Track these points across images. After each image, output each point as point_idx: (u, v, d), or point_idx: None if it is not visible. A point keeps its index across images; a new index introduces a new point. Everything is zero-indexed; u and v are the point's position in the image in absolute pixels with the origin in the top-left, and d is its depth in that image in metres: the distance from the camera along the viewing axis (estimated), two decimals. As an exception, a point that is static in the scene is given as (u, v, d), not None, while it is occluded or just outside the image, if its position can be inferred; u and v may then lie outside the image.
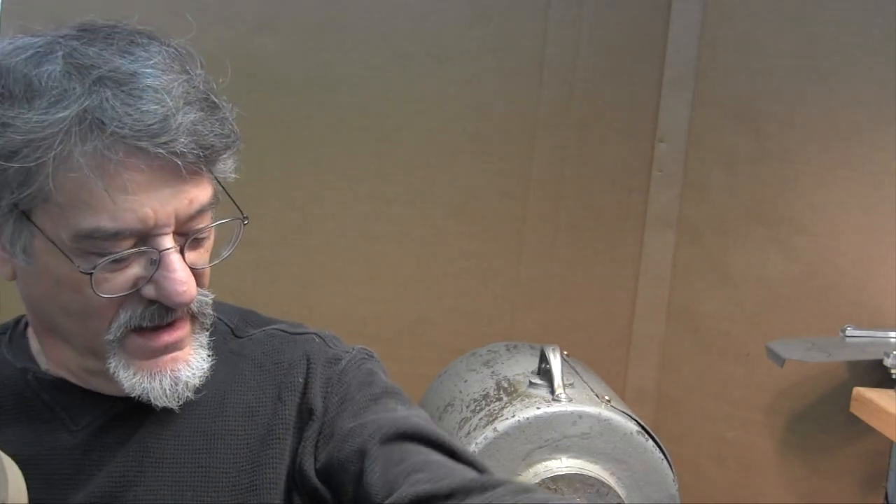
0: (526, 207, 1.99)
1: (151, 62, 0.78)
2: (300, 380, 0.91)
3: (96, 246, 0.77)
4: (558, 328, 2.01)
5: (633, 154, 1.99)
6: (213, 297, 0.87)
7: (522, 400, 1.41)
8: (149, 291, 0.80)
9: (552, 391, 1.42)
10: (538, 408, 1.38)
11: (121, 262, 0.79)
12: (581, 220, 2.00)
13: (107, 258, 0.77)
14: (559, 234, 2.01)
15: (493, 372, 1.58)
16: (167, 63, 0.80)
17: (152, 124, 0.75)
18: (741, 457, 1.92)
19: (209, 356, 0.87)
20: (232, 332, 0.97)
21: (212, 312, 0.88)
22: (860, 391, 1.68)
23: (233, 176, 0.88)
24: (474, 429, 1.40)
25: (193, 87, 0.80)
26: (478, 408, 1.46)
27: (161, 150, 0.75)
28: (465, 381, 1.59)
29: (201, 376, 0.86)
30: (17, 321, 0.96)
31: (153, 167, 0.76)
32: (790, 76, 1.85)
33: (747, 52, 1.88)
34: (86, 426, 0.86)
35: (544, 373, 1.48)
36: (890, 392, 1.66)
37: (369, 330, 1.93)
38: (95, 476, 0.84)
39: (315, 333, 0.97)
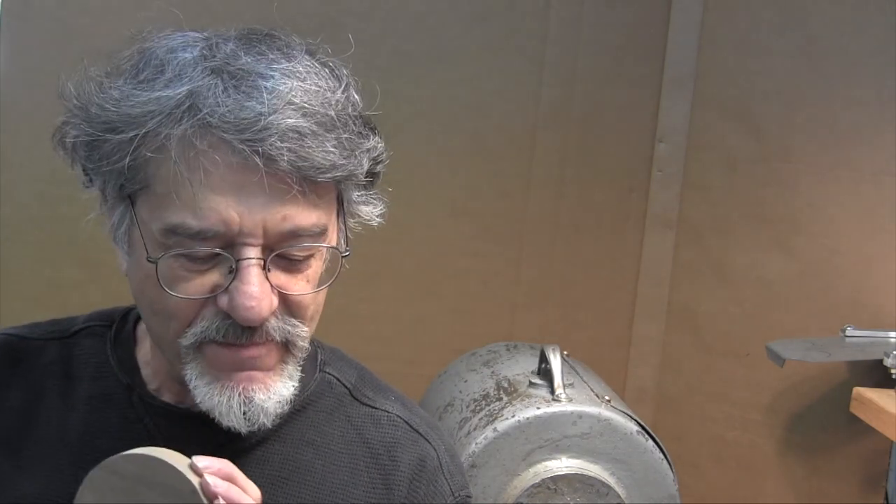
0: (526, 207, 1.99)
1: (281, 66, 0.75)
2: (404, 492, 0.90)
3: (182, 244, 0.74)
4: (558, 328, 2.01)
5: (633, 154, 1.99)
6: (307, 330, 0.81)
7: (522, 400, 1.41)
8: (223, 302, 0.75)
9: (552, 391, 1.42)
10: (538, 408, 1.38)
11: (199, 263, 0.75)
12: (581, 220, 2.00)
13: (177, 250, 0.74)
14: (559, 234, 2.01)
15: (493, 372, 1.58)
16: (305, 75, 0.76)
17: (244, 118, 0.71)
18: (741, 457, 1.91)
19: (294, 387, 0.81)
20: (350, 392, 0.93)
21: (306, 346, 0.82)
22: (860, 391, 1.68)
23: (371, 218, 0.84)
24: (474, 429, 1.40)
25: (319, 102, 0.75)
26: (478, 408, 1.46)
27: (245, 148, 0.71)
28: (465, 381, 1.59)
29: (279, 403, 0.79)
30: (126, 314, 0.91)
31: (246, 170, 0.72)
32: (790, 76, 1.85)
33: (747, 52, 1.88)
34: None
35: (544, 373, 1.48)
36: (890, 392, 1.66)
37: (369, 330, 1.93)
38: None
39: (433, 444, 0.94)
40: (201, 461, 0.70)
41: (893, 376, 1.67)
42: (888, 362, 1.67)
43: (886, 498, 1.79)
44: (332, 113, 0.76)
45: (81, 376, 0.88)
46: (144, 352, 0.88)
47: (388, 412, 0.93)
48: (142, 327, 0.89)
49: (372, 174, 0.84)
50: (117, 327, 0.90)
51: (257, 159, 0.71)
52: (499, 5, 1.94)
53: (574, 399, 1.40)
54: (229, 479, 0.71)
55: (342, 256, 0.82)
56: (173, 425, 0.84)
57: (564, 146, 1.98)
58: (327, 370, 0.94)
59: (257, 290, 0.74)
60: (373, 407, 0.93)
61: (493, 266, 2.00)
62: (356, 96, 0.81)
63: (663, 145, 1.96)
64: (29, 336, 0.90)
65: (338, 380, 0.94)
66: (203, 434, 0.80)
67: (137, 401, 0.85)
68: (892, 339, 1.74)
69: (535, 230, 2.00)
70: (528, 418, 1.37)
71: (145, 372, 0.87)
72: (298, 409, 0.88)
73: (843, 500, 1.84)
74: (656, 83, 1.96)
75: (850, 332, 1.76)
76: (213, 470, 0.70)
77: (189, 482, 0.68)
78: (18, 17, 1.82)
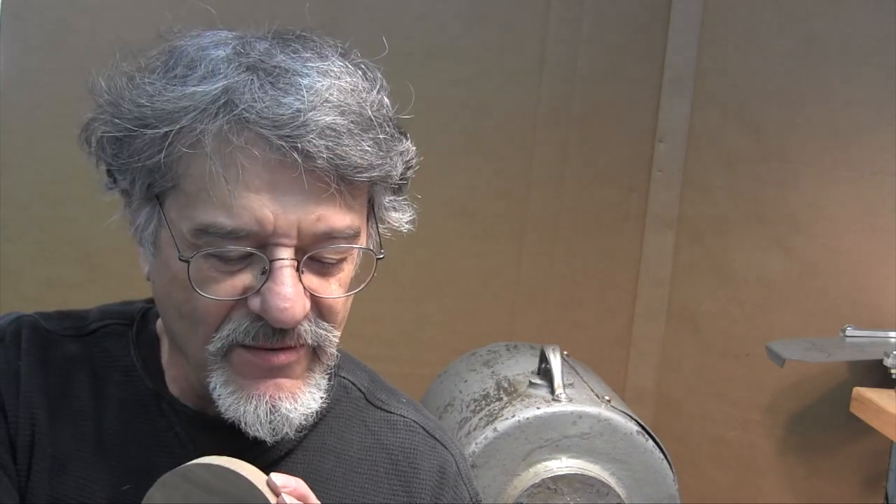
0: (526, 207, 1.99)
1: (316, 65, 0.75)
2: (427, 499, 0.89)
3: (212, 243, 0.72)
4: (558, 328, 2.01)
5: (633, 154, 1.99)
6: (337, 335, 0.79)
7: (522, 400, 1.41)
8: (254, 304, 0.73)
9: (552, 391, 1.42)
10: (538, 408, 1.38)
11: (230, 264, 0.73)
12: (581, 220, 2.00)
13: (208, 250, 0.72)
14: (559, 234, 2.01)
15: (493, 372, 1.58)
16: (340, 74, 0.76)
17: (282, 114, 0.71)
18: (741, 457, 1.92)
19: (322, 398, 0.80)
20: (364, 396, 0.92)
21: (334, 352, 0.80)
22: (860, 391, 1.69)
23: (400, 224, 0.84)
24: (474, 429, 1.40)
25: (356, 101, 0.75)
26: (478, 408, 1.46)
27: (283, 144, 0.70)
28: (465, 381, 1.59)
29: (304, 415, 0.78)
30: (145, 313, 0.89)
31: (282, 168, 0.71)
32: (790, 76, 1.85)
33: (747, 52, 1.89)
34: None
35: (544, 373, 1.48)
36: (890, 392, 1.66)
37: (369, 330, 1.93)
38: None
39: (450, 450, 0.94)
40: (279, 479, 0.69)
41: (893, 376, 1.67)
42: (888, 362, 1.67)
43: (886, 498, 1.79)
44: (369, 113, 0.76)
45: (108, 378, 0.85)
46: (165, 354, 0.86)
47: (403, 416, 0.93)
48: (160, 328, 0.87)
49: (403, 178, 0.84)
50: (138, 327, 0.88)
51: (296, 155, 0.71)
52: (499, 5, 1.94)
53: (574, 399, 1.40)
54: (303, 499, 0.70)
55: (377, 259, 0.81)
56: (202, 434, 0.82)
57: (564, 146, 1.98)
58: (342, 374, 0.93)
59: (291, 291, 0.72)
60: (388, 411, 0.93)
61: (493, 266, 2.00)
62: (387, 99, 0.81)
63: (663, 145, 1.96)
64: (46, 326, 0.87)
65: (352, 384, 0.93)
66: (231, 444, 0.78)
67: (167, 408, 0.84)
68: (892, 339, 1.74)
69: (535, 230, 2.00)
70: (528, 418, 1.37)
71: (168, 374, 0.85)
72: (319, 416, 0.86)
73: (843, 500, 1.84)
74: (656, 83, 1.96)
75: (850, 332, 1.76)
76: (290, 489, 0.69)
77: (266, 500, 0.67)
78: (18, 17, 1.82)
